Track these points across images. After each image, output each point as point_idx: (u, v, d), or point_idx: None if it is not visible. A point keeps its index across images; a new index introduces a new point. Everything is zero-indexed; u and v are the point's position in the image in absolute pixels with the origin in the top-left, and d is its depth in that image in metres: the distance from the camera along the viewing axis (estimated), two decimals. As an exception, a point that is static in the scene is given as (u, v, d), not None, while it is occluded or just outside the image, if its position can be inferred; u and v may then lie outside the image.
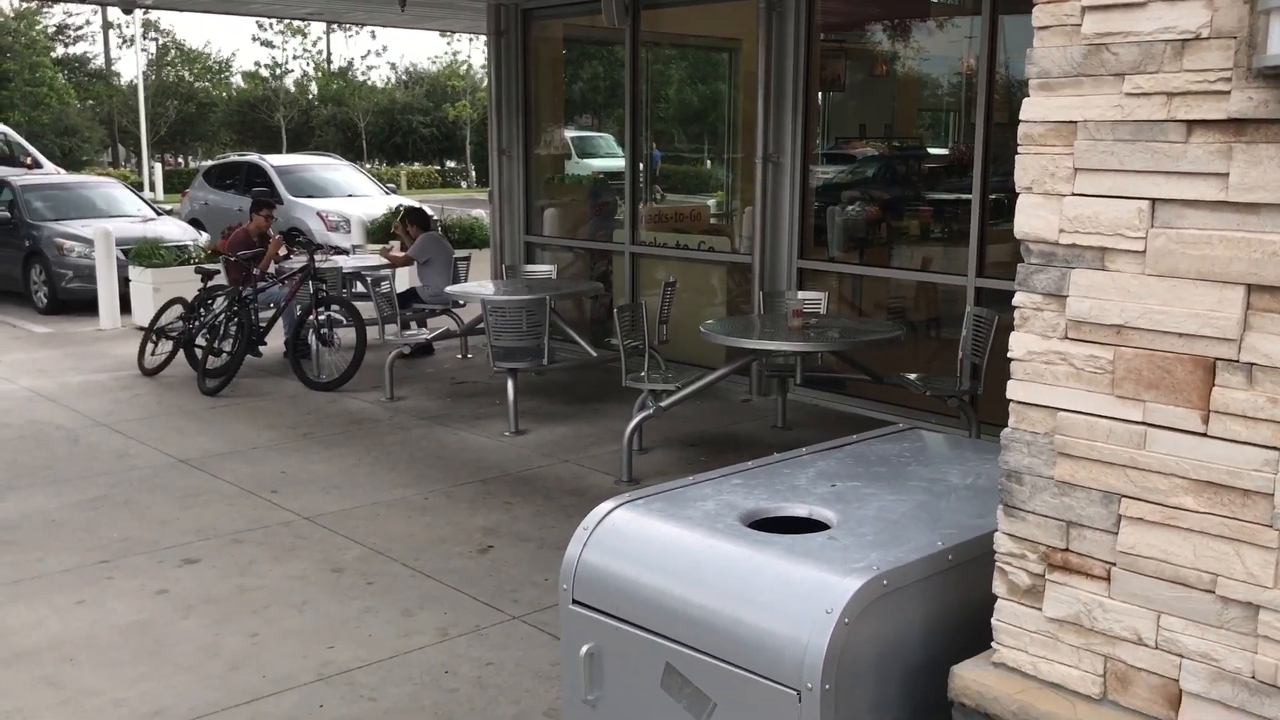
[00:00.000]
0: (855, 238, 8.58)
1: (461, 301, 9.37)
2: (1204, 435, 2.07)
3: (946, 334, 7.62)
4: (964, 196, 7.35)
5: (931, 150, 9.06)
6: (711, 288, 9.36)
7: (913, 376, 6.87)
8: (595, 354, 8.31)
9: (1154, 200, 2.10)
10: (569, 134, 12.67)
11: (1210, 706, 2.10)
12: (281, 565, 5.26)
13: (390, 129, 42.71)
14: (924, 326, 8.19)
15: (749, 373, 8.21)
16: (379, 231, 14.16)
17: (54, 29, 40.96)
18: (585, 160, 14.62)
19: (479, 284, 9.31)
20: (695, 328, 6.86)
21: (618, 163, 10.30)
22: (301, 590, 4.98)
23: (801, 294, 7.63)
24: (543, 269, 9.62)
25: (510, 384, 7.54)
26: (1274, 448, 1.99)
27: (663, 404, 6.46)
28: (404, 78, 46.90)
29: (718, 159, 10.52)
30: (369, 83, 45.50)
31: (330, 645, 4.43)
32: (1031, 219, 2.26)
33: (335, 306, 9.05)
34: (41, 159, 23.00)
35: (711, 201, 10.45)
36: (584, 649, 2.75)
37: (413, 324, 9.63)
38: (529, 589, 4.95)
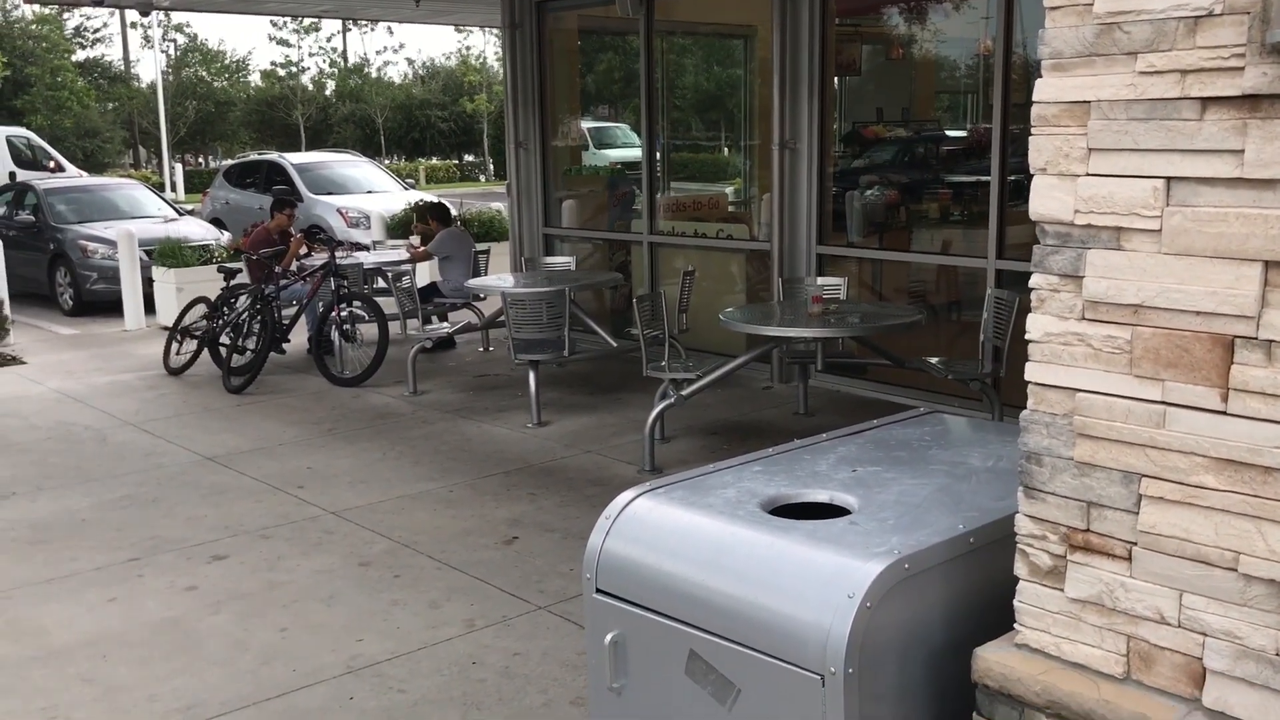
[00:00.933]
0: (874, 222, 8.55)
1: (482, 295, 9.40)
2: (1223, 413, 2.06)
3: (967, 317, 7.59)
4: (983, 178, 7.32)
5: (950, 132, 9.01)
6: (731, 275, 9.36)
7: (934, 360, 6.85)
8: (616, 344, 8.33)
9: (1169, 179, 2.09)
10: (585, 125, 12.68)
11: (1234, 684, 2.10)
12: (309, 560, 5.31)
13: (408, 124, 42.81)
14: (945, 310, 8.16)
15: (770, 360, 8.21)
16: (399, 227, 14.22)
17: (71, 31, 41.24)
18: (602, 151, 14.62)
19: (499, 277, 9.34)
20: (715, 316, 6.87)
21: (635, 153, 10.30)
22: (329, 584, 5.02)
23: (821, 280, 7.61)
24: (562, 261, 9.64)
25: (532, 376, 7.57)
26: (1294, 424, 1.98)
27: (684, 393, 6.47)
28: (421, 73, 46.98)
29: (735, 146, 10.50)
30: (386, 78, 45.63)
31: (359, 638, 4.48)
32: (1046, 200, 2.26)
33: (357, 302, 9.11)
34: (64, 162, 23.23)
35: (729, 189, 10.43)
36: (609, 637, 2.77)
37: (434, 318, 9.68)
38: (554, 579, 4.98)
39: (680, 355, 7.24)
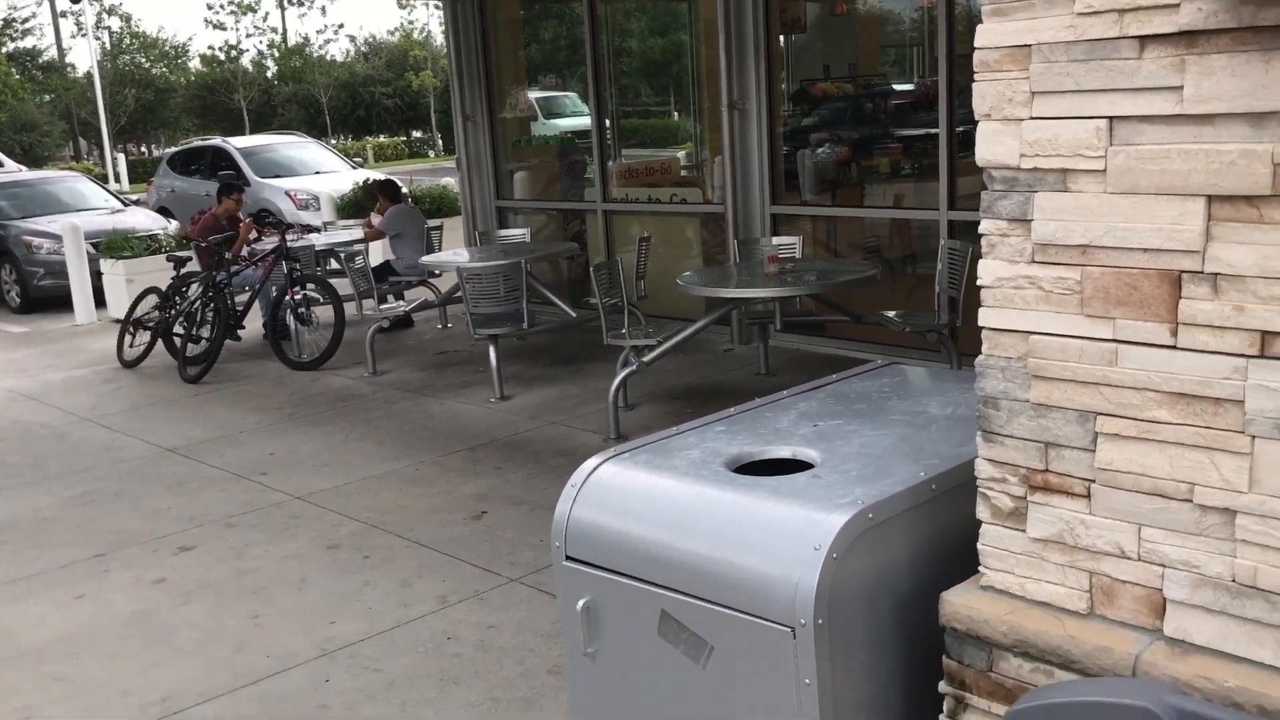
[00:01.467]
0: (826, 180, 8.57)
1: (437, 271, 9.34)
2: (1173, 348, 2.09)
3: (923, 269, 7.64)
4: (932, 131, 7.35)
5: (897, 86, 9.03)
6: (686, 240, 9.35)
7: (892, 314, 6.89)
8: (575, 314, 8.31)
9: (1111, 118, 2.11)
10: (533, 95, 12.57)
11: (1193, 612, 2.14)
12: (277, 546, 5.28)
13: (353, 103, 42.31)
14: (900, 263, 8.21)
15: (729, 322, 8.23)
16: (348, 207, 14.08)
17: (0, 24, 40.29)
18: (552, 121, 14.52)
19: (453, 252, 9.28)
20: (673, 281, 6.86)
21: (584, 121, 10.24)
22: (299, 569, 5.00)
23: (776, 239, 7.63)
24: (516, 233, 9.59)
25: (492, 350, 7.54)
26: (1242, 355, 2.01)
27: (645, 359, 6.47)
28: (363, 49, 46.38)
29: (684, 110, 10.47)
30: (328, 56, 45.01)
31: (332, 621, 4.47)
32: (992, 145, 2.27)
33: (311, 285, 9.02)
34: (2, 157, 22.75)
35: (681, 153, 10.41)
36: (580, 603, 2.78)
37: (390, 297, 9.61)
38: (525, 551, 4.99)
39: (640, 322, 7.23)
